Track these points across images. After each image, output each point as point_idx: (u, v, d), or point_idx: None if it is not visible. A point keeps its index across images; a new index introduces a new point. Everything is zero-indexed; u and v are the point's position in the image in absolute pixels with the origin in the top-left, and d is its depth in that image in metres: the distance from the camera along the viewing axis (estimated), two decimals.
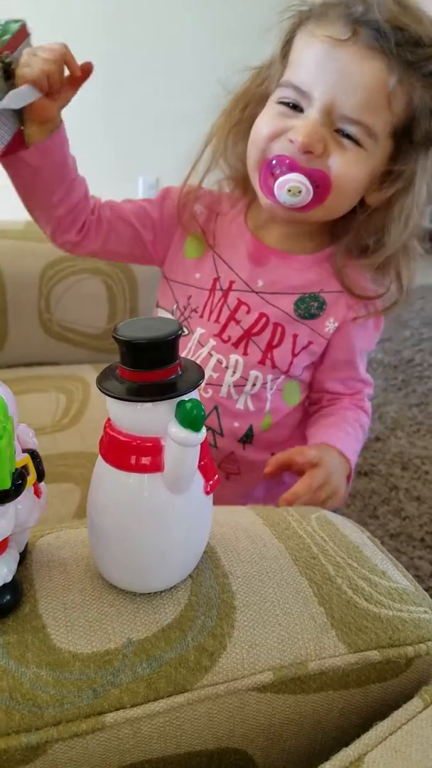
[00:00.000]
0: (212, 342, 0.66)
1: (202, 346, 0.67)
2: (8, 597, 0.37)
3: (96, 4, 1.99)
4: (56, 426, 0.84)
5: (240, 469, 0.69)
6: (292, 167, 0.57)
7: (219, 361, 0.66)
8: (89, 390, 0.93)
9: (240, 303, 0.65)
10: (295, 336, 0.64)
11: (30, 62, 0.54)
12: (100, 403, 0.37)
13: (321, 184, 0.57)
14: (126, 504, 0.37)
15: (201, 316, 0.68)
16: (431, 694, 0.36)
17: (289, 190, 0.57)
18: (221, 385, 0.66)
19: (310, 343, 0.64)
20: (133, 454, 0.36)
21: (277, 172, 0.58)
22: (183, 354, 0.68)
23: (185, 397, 0.36)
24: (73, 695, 0.34)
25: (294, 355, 0.64)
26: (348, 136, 0.56)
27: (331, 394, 0.67)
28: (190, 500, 0.38)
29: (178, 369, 0.37)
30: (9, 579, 0.37)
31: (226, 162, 0.67)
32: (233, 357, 0.65)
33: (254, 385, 0.65)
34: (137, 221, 0.69)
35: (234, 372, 0.65)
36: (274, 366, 0.64)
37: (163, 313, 0.73)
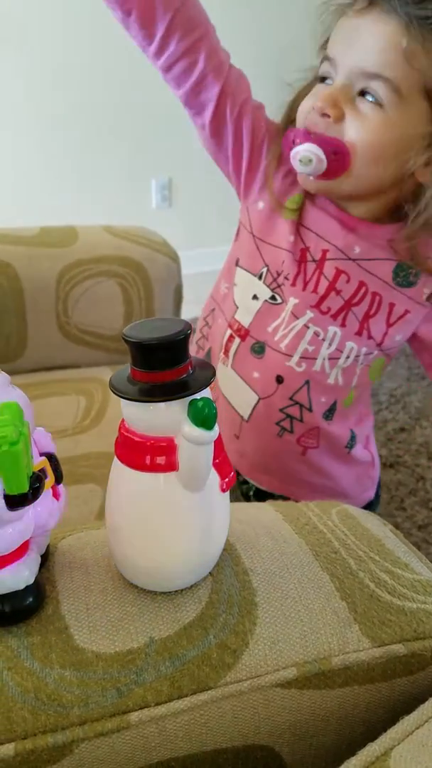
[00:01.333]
0: (310, 314, 0.64)
1: (296, 318, 0.65)
2: (31, 599, 0.38)
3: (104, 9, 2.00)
4: (77, 428, 0.84)
5: (319, 442, 0.68)
6: (304, 137, 0.58)
7: (316, 333, 0.64)
8: (108, 391, 0.94)
9: (339, 272, 0.63)
10: (391, 305, 0.62)
11: None
12: (119, 404, 0.37)
13: (338, 151, 0.57)
14: (142, 504, 0.37)
15: (294, 285, 0.65)
16: None
17: (300, 160, 0.58)
18: (316, 359, 0.65)
19: (407, 312, 0.62)
20: (147, 454, 0.37)
21: (294, 143, 0.59)
22: (275, 326, 0.67)
23: (197, 396, 0.36)
24: (97, 695, 0.35)
25: (389, 325, 0.63)
26: (373, 98, 0.56)
27: None
28: (206, 498, 0.38)
29: (189, 368, 0.37)
30: (31, 581, 0.37)
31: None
32: (332, 329, 0.64)
33: (348, 357, 0.64)
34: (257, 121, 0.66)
35: (330, 344, 0.64)
36: (369, 337, 0.63)
37: (243, 274, 0.69)
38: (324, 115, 0.57)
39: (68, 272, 1.01)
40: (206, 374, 0.37)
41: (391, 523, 1.25)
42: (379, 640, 0.38)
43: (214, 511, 0.39)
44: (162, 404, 0.36)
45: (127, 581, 0.40)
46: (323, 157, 0.57)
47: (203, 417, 0.35)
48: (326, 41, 0.62)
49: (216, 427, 0.36)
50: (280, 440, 0.69)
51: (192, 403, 0.35)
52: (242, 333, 0.69)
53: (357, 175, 0.58)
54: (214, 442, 0.37)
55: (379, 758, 0.32)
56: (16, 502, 0.34)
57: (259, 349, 0.67)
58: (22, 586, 0.37)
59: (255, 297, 0.67)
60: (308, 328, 0.65)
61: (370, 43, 0.55)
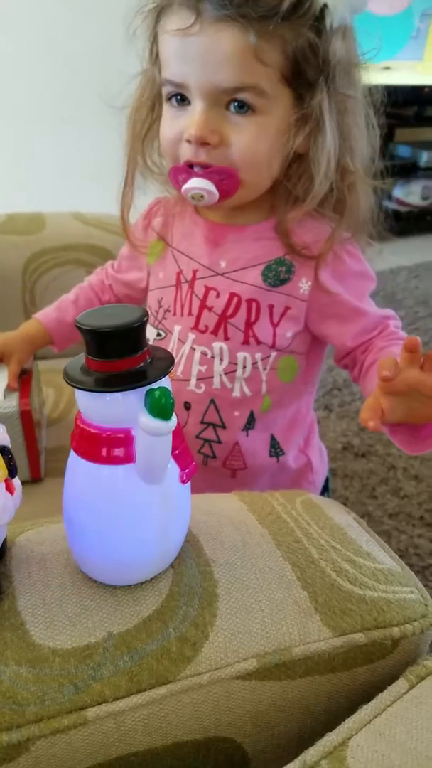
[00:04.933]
0: (191, 336, 0.65)
1: (183, 342, 0.66)
2: None
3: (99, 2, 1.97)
4: (45, 420, 0.83)
5: (246, 462, 0.68)
6: (188, 174, 0.58)
7: (203, 353, 0.65)
8: None
9: (208, 289, 0.64)
10: (270, 307, 0.62)
11: None
12: None
13: (226, 177, 0.57)
14: (100, 497, 0.37)
15: (174, 314, 0.67)
16: (416, 675, 0.36)
17: (192, 197, 0.58)
18: (212, 377, 0.65)
19: (287, 308, 0.62)
20: (104, 446, 0.36)
21: (180, 179, 0.59)
22: None
23: (154, 386, 0.35)
24: (54, 691, 0.34)
25: (274, 325, 0.63)
26: (241, 108, 0.55)
27: (360, 345, 0.64)
28: (166, 490, 0.37)
29: (147, 357, 0.36)
30: None
31: (152, 170, 0.67)
32: (216, 345, 0.64)
33: (245, 367, 0.64)
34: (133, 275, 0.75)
35: (221, 359, 0.64)
36: (259, 342, 0.63)
37: (148, 328, 0.74)
38: (203, 144, 0.56)
39: (35, 260, 0.99)
40: (164, 363, 0.36)
41: (363, 512, 1.26)
42: (339, 630, 0.38)
43: (173, 503, 0.39)
44: (118, 394, 0.35)
45: (86, 576, 0.39)
46: (213, 189, 0.57)
47: (160, 407, 0.34)
48: (154, 50, 0.60)
49: (174, 418, 0.35)
50: (206, 468, 0.69)
51: (149, 392, 0.35)
52: None
53: (250, 184, 0.58)
54: (173, 432, 0.36)
55: (337, 748, 0.32)
56: None
57: None
58: None
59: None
60: (195, 349, 0.65)
61: (219, 59, 0.53)
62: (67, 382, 0.35)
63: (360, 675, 0.39)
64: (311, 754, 0.32)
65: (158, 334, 0.69)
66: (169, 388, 0.36)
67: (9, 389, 0.71)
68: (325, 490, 0.79)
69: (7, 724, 0.33)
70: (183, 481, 0.39)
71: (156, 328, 0.69)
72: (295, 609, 0.39)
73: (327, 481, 0.79)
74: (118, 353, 0.35)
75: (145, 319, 0.35)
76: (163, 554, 0.39)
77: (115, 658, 0.35)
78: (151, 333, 0.70)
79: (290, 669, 0.37)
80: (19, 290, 0.99)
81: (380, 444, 1.40)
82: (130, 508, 0.37)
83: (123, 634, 0.36)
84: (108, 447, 0.36)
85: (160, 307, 0.69)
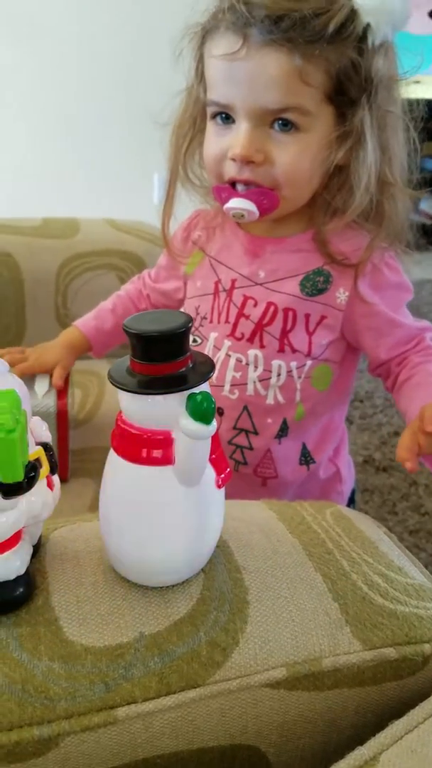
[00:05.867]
0: (227, 343, 0.66)
1: (219, 349, 0.67)
2: (21, 589, 0.37)
3: (110, 6, 2.00)
4: (72, 422, 0.84)
5: (277, 470, 0.68)
6: (230, 193, 0.59)
7: (238, 360, 0.66)
8: (104, 384, 0.93)
9: (246, 298, 0.65)
10: (307, 315, 0.63)
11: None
12: (115, 397, 0.37)
13: (266, 197, 0.58)
14: (137, 497, 0.37)
15: (211, 322, 0.68)
16: None
17: (234, 215, 0.60)
18: (246, 384, 0.66)
19: (323, 317, 0.63)
20: (144, 447, 0.36)
21: (223, 197, 0.60)
22: None
23: (195, 390, 0.35)
24: (85, 688, 0.34)
25: (310, 333, 0.63)
26: (285, 126, 0.56)
27: (395, 357, 0.64)
28: (202, 493, 0.38)
29: (189, 362, 0.36)
30: (22, 571, 0.37)
31: (194, 184, 0.69)
32: (251, 352, 0.65)
33: (279, 375, 0.64)
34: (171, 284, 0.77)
35: (256, 367, 0.65)
36: (294, 350, 0.64)
37: None
38: (249, 162, 0.57)
39: (68, 264, 1.01)
40: (205, 368, 0.37)
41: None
42: (370, 643, 0.38)
43: (208, 508, 0.39)
44: (160, 397, 0.35)
45: (118, 575, 0.40)
46: (254, 209, 0.58)
47: (202, 411, 0.35)
48: (199, 70, 0.61)
49: (214, 422, 0.36)
50: (237, 475, 0.69)
51: (191, 396, 0.35)
52: None
53: (291, 198, 0.60)
54: (212, 437, 0.36)
55: (368, 762, 0.32)
56: (11, 490, 0.34)
57: None
58: (12, 576, 0.36)
59: None
60: (230, 356, 0.66)
61: (266, 82, 0.54)
62: (111, 383, 0.35)
63: (389, 690, 0.38)
64: (341, 767, 0.32)
65: (194, 341, 0.69)
66: (209, 392, 0.36)
67: (53, 388, 0.73)
68: (351, 502, 0.78)
69: (39, 718, 0.33)
70: (218, 486, 0.39)
71: (192, 334, 0.70)
72: (325, 620, 0.38)
73: (353, 493, 0.79)
74: (162, 357, 0.35)
75: (190, 325, 0.36)
76: (196, 558, 0.39)
77: (146, 658, 0.35)
78: None
79: (319, 680, 0.37)
80: (52, 292, 1.01)
81: None
82: (166, 510, 0.37)
83: (154, 635, 0.36)
84: (148, 448, 0.36)
85: (197, 314, 0.69)
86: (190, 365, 0.37)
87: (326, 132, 0.57)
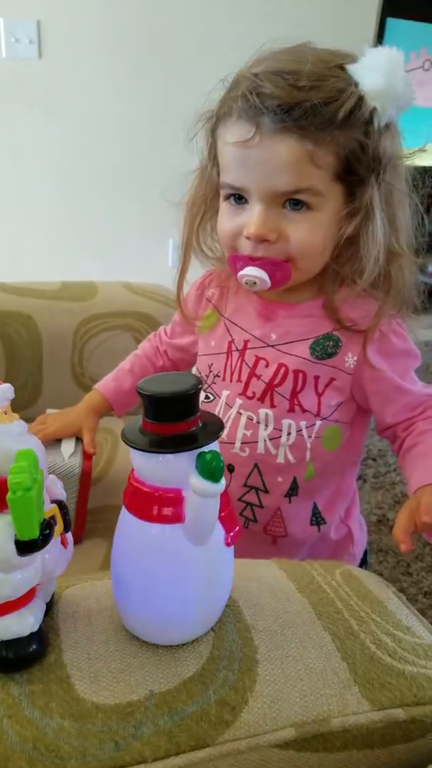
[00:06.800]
0: (239, 401, 0.68)
1: (230, 407, 0.69)
2: (34, 646, 0.38)
3: (132, 75, 2.13)
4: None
5: (286, 529, 0.69)
6: (245, 262, 0.62)
7: (249, 418, 0.67)
8: (117, 442, 0.95)
9: (258, 359, 0.67)
10: (316, 378, 0.65)
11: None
12: (127, 456, 0.39)
13: (279, 269, 0.61)
14: (148, 554, 0.38)
15: (224, 380, 0.70)
16: None
17: (246, 283, 0.62)
18: (257, 442, 0.67)
19: (332, 380, 0.65)
20: (155, 504, 0.38)
21: (238, 266, 0.63)
22: None
23: (205, 449, 0.37)
24: (95, 747, 0.35)
25: (319, 394, 0.65)
26: (296, 205, 0.59)
27: (402, 423, 0.66)
28: (211, 551, 0.39)
29: (198, 421, 0.38)
30: (36, 628, 0.38)
31: (207, 255, 0.72)
32: (262, 411, 0.67)
33: (289, 434, 0.65)
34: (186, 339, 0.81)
35: (266, 425, 0.66)
36: (304, 410, 0.65)
37: None
38: (263, 241, 0.60)
39: (86, 325, 1.04)
40: (214, 428, 0.39)
41: (397, 589, 1.23)
42: (378, 704, 0.38)
43: (217, 565, 0.40)
44: (171, 456, 0.37)
45: (129, 633, 0.40)
46: (266, 278, 0.61)
47: (211, 469, 0.36)
48: (212, 153, 0.65)
49: (222, 481, 0.37)
50: (247, 532, 0.70)
51: (200, 455, 0.37)
52: None
53: (303, 270, 0.62)
54: (221, 495, 0.38)
55: None
56: (26, 547, 0.35)
57: None
58: (26, 633, 0.37)
59: None
60: (241, 414, 0.68)
61: (278, 167, 0.57)
62: (125, 442, 0.37)
63: (398, 753, 0.38)
64: None
65: (206, 397, 0.71)
66: (218, 451, 0.38)
67: (79, 449, 0.76)
68: (363, 563, 0.78)
69: None
70: (228, 544, 0.40)
71: (205, 391, 0.72)
72: (334, 680, 0.39)
73: (365, 554, 0.78)
74: (172, 417, 0.37)
75: (199, 387, 0.38)
76: (206, 616, 0.40)
77: (155, 717, 0.36)
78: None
79: (328, 741, 0.37)
80: (69, 350, 1.04)
81: None
82: (175, 567, 0.38)
83: (164, 693, 0.37)
84: (159, 505, 0.38)
85: (210, 372, 0.72)
86: (200, 425, 0.38)
87: (337, 209, 0.60)
